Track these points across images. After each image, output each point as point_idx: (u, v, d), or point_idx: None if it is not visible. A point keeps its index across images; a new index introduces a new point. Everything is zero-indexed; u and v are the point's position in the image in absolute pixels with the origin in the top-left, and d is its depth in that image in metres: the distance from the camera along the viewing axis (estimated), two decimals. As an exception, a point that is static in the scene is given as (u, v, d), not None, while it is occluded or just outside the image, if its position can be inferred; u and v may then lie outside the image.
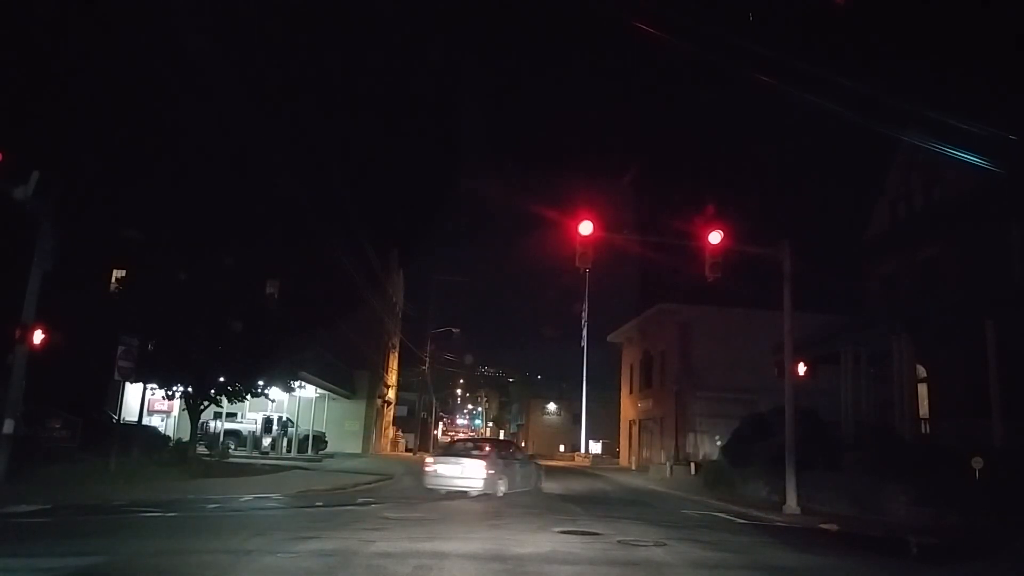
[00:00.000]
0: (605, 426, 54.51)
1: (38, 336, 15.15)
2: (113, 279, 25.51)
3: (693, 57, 9.05)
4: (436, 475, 17.76)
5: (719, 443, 29.70)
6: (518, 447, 27.87)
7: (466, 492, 16.99)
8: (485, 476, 17.13)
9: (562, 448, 64.10)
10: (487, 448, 19.11)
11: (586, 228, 15.72)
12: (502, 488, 17.52)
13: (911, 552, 10.90)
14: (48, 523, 10.40)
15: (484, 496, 16.69)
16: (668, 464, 31.06)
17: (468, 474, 17.22)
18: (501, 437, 73.56)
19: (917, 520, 14.09)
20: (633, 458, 43.79)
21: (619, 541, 10.05)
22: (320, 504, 14.28)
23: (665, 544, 9.86)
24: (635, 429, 44.46)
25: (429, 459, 19.80)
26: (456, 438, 24.27)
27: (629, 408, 46.19)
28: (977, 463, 14.37)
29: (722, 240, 16.28)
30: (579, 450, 54.64)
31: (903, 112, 10.07)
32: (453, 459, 18.13)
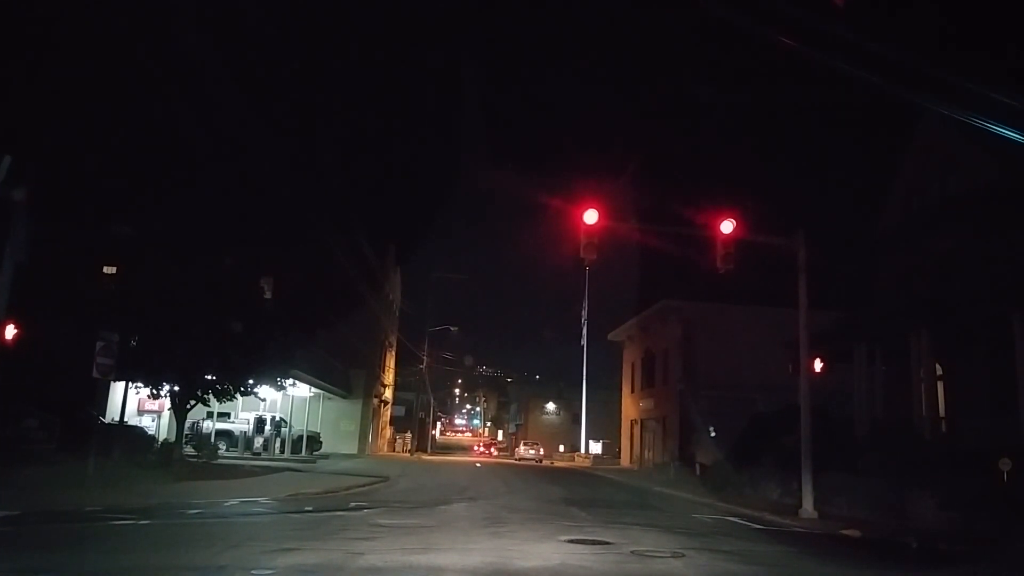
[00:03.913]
0: (606, 426, 53.70)
1: (10, 331, 14.30)
2: (102, 274, 24.73)
3: (709, 17, 8.17)
4: (520, 453, 52.71)
5: (716, 440, 28.93)
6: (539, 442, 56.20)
7: (532, 459, 49.42)
8: (541, 454, 51.65)
9: (562, 448, 63.27)
10: (538, 443, 54.58)
11: (591, 217, 14.86)
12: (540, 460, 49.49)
13: (954, 562, 10.04)
14: (10, 532, 9.52)
15: (536, 463, 46.56)
16: (672, 465, 30.20)
17: (534, 453, 51.14)
18: (499, 437, 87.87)
19: (945, 525, 13.25)
20: (635, 458, 42.98)
21: (633, 552, 9.18)
22: (309, 509, 13.40)
23: (683, 555, 9.01)
24: (637, 429, 43.65)
25: (519, 447, 55.16)
26: (524, 440, 59.38)
27: (631, 407, 45.37)
28: (1005, 464, 13.55)
29: (734, 230, 15.43)
30: (579, 450, 53.82)
31: (937, 82, 9.18)
32: (527, 447, 53.07)
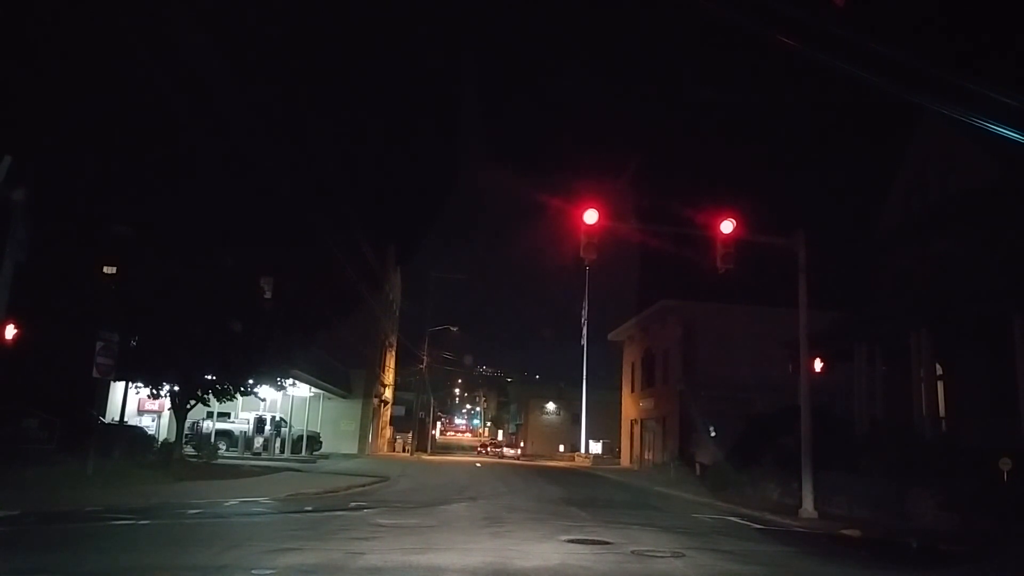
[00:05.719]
0: (606, 426, 53.70)
1: (10, 332, 14.29)
2: (102, 274, 24.69)
3: (709, 17, 8.13)
4: (502, 453, 63.49)
5: (716, 440, 28.91)
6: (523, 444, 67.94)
7: (512, 457, 59.10)
8: (520, 452, 63.16)
9: (562, 448, 63.34)
10: (519, 443, 68.01)
11: (591, 217, 14.87)
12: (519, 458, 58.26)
13: (954, 562, 10.02)
14: (9, 532, 9.53)
15: (515, 460, 54.50)
16: (672, 465, 30.20)
17: (513, 452, 63.28)
18: (499, 436, 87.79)
19: (944, 525, 13.26)
20: (635, 458, 42.99)
21: (633, 552, 9.18)
22: (309, 509, 13.41)
23: (683, 555, 9.00)
24: (637, 429, 43.65)
25: (504, 448, 66.72)
26: (507, 443, 69.73)
27: (631, 407, 45.37)
28: (1005, 464, 13.53)
29: (734, 230, 15.44)
30: (579, 450, 53.84)
31: (937, 82, 9.14)
32: (507, 448, 66.28)
